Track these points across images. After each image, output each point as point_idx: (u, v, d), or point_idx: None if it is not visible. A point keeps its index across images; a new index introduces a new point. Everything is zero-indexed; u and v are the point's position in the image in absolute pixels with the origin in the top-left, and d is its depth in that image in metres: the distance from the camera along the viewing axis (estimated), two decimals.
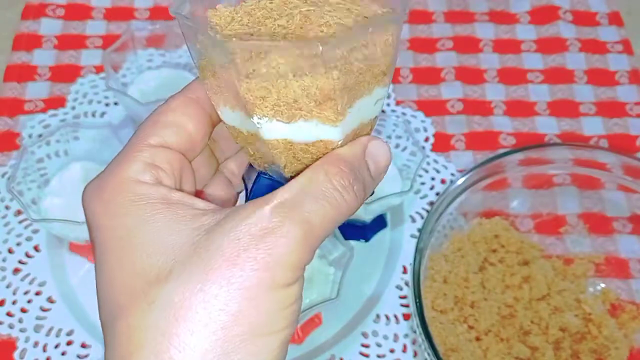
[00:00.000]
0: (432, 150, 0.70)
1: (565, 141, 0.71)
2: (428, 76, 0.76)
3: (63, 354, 0.57)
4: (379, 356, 0.58)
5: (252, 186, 0.33)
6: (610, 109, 0.74)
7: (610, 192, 0.64)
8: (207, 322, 0.26)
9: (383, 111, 0.70)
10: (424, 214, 0.65)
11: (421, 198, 0.67)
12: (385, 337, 0.59)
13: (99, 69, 0.75)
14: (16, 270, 0.61)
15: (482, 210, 0.63)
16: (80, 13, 0.80)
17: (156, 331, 0.26)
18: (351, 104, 0.29)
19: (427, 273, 0.57)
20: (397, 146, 0.66)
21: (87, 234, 0.32)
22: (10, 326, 0.58)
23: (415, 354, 0.58)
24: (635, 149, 0.72)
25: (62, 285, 0.61)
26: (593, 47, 0.79)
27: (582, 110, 0.74)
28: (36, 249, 0.63)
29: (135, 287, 0.27)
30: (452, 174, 0.68)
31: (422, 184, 0.67)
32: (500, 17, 0.81)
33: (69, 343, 0.58)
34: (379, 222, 0.64)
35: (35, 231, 0.63)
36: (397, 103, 0.74)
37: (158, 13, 0.80)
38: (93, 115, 0.71)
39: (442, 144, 0.71)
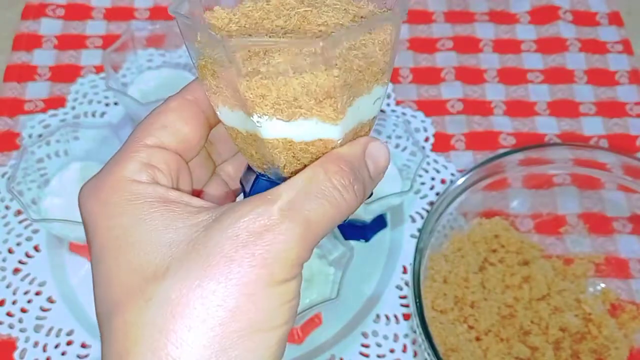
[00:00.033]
0: (432, 150, 0.70)
1: (565, 141, 0.71)
2: (428, 76, 0.76)
3: (63, 354, 0.57)
4: (379, 356, 0.58)
5: (251, 188, 0.33)
6: (610, 109, 0.74)
7: (610, 192, 0.64)
8: (204, 318, 0.26)
9: (383, 111, 0.70)
10: (424, 214, 0.65)
11: (421, 198, 0.67)
12: (385, 337, 0.59)
13: (99, 69, 0.75)
14: (16, 270, 0.61)
15: (482, 210, 0.63)
16: (80, 13, 0.80)
17: (153, 328, 0.26)
18: (351, 103, 0.29)
19: (427, 273, 0.57)
20: (397, 146, 0.66)
21: None
22: (10, 326, 0.58)
23: (415, 354, 0.58)
24: (635, 149, 0.72)
25: (62, 285, 0.61)
26: (593, 47, 0.79)
27: (582, 110, 0.74)
28: (36, 249, 0.63)
29: (132, 284, 0.27)
30: (452, 174, 0.68)
31: (422, 184, 0.67)
32: (500, 17, 0.81)
33: (69, 343, 0.58)
34: (379, 222, 0.64)
35: (35, 231, 0.63)
36: (397, 103, 0.74)
37: (158, 13, 0.80)
38: (93, 115, 0.71)
39: (442, 144, 0.71)
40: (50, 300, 0.60)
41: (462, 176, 0.59)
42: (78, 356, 0.57)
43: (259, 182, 0.32)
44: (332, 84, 0.27)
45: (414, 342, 0.59)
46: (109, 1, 0.81)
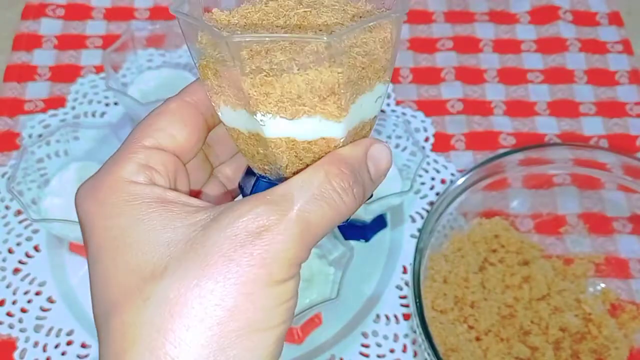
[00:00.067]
0: (432, 150, 0.70)
1: (565, 141, 0.71)
2: (428, 76, 0.76)
3: (63, 354, 0.57)
4: (379, 356, 0.58)
5: (251, 190, 0.33)
6: (610, 109, 0.74)
7: (610, 192, 0.64)
8: (203, 318, 0.26)
9: (383, 111, 0.70)
10: (424, 214, 0.65)
11: (421, 198, 0.67)
12: (385, 337, 0.59)
13: (99, 69, 0.75)
14: (16, 270, 0.61)
15: (482, 210, 0.63)
16: (80, 13, 0.80)
17: (151, 327, 0.26)
18: (354, 100, 0.29)
19: (427, 273, 0.57)
20: (397, 146, 0.66)
21: None
22: (10, 326, 0.58)
23: (415, 354, 0.58)
24: (635, 149, 0.72)
25: (62, 285, 0.61)
26: (593, 47, 0.79)
27: (582, 110, 0.74)
28: (36, 249, 0.63)
29: (129, 284, 0.27)
30: (452, 174, 0.68)
31: (422, 184, 0.67)
32: (500, 17, 0.81)
33: (69, 343, 0.58)
34: (379, 222, 0.64)
35: (35, 231, 0.63)
36: (397, 103, 0.74)
37: (158, 13, 0.80)
38: (93, 115, 0.71)
39: (442, 144, 0.71)
40: (50, 300, 0.60)
41: (462, 176, 0.59)
42: (78, 356, 0.57)
43: (260, 183, 0.32)
44: (336, 80, 0.27)
45: (414, 342, 0.59)
46: (109, 1, 0.81)
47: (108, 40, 0.76)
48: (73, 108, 0.72)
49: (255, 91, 0.28)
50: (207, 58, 0.30)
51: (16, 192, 0.57)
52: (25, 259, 0.62)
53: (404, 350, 0.59)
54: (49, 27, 0.78)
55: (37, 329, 0.59)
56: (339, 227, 0.57)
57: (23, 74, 0.75)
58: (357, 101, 0.29)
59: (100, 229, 0.29)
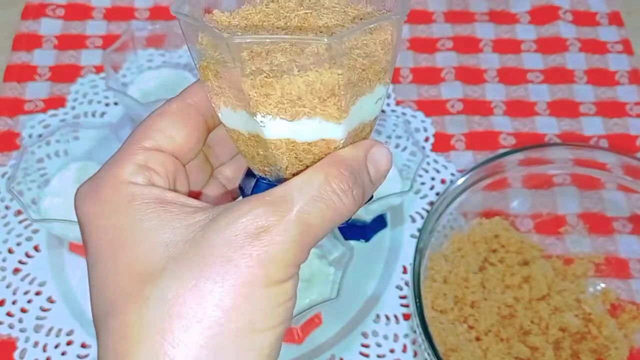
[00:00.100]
0: (432, 150, 0.70)
1: (565, 141, 0.71)
2: (428, 76, 0.76)
3: (63, 354, 0.57)
4: (379, 356, 0.58)
5: (251, 191, 0.33)
6: (610, 109, 0.74)
7: (610, 192, 0.64)
8: (201, 318, 0.26)
9: (383, 111, 0.70)
10: (424, 214, 0.65)
11: (421, 198, 0.67)
12: (385, 337, 0.59)
13: (99, 69, 0.75)
14: (16, 270, 0.61)
15: (482, 210, 0.63)
16: (80, 13, 0.80)
17: (150, 328, 0.26)
18: (354, 102, 0.29)
19: (427, 273, 0.57)
20: (397, 146, 0.66)
21: None
22: (10, 326, 0.58)
23: (415, 354, 0.58)
24: (635, 149, 0.72)
25: (62, 285, 0.61)
26: (593, 47, 0.79)
27: (582, 110, 0.74)
28: (36, 249, 0.63)
29: (129, 284, 0.27)
30: (452, 174, 0.68)
31: (422, 184, 0.67)
32: (500, 17, 0.81)
33: (69, 343, 0.58)
34: (379, 222, 0.64)
35: (35, 231, 0.63)
36: (397, 103, 0.74)
37: (158, 13, 0.80)
38: (93, 115, 0.71)
39: (442, 144, 0.71)
40: (50, 300, 0.60)
41: (462, 176, 0.59)
42: (78, 356, 0.57)
43: (260, 184, 0.32)
44: (337, 82, 0.27)
45: (414, 342, 0.59)
46: (109, 1, 0.81)
47: (108, 40, 0.76)
48: (73, 108, 0.72)
49: (256, 92, 0.28)
50: (208, 59, 0.30)
51: (16, 192, 0.57)
52: (25, 259, 0.62)
53: (404, 350, 0.59)
54: (49, 27, 0.78)
55: (37, 329, 0.59)
56: (339, 227, 0.57)
57: (23, 74, 0.75)
58: (357, 103, 0.29)
59: (99, 229, 0.29)
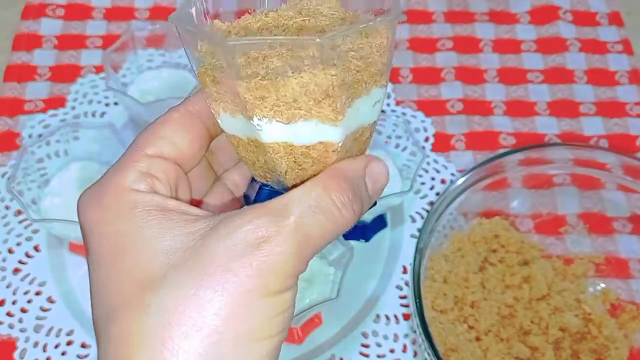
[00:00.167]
0: (432, 150, 0.70)
1: (565, 141, 0.71)
2: (428, 76, 0.76)
3: (63, 354, 0.57)
4: (379, 356, 0.58)
5: (255, 199, 0.33)
6: (610, 109, 0.74)
7: (610, 192, 0.64)
8: (200, 327, 0.26)
9: (383, 111, 0.70)
10: (424, 214, 0.65)
11: (421, 198, 0.67)
12: (385, 337, 0.59)
13: (99, 69, 0.75)
14: (16, 270, 0.61)
15: (482, 210, 0.63)
16: (80, 13, 0.80)
17: (151, 335, 0.26)
18: (350, 104, 0.29)
19: (427, 273, 0.57)
20: (397, 146, 0.66)
21: None
22: (10, 326, 0.58)
23: (415, 354, 0.58)
24: (635, 149, 0.72)
25: (62, 285, 0.61)
26: (593, 47, 0.79)
27: (582, 110, 0.74)
28: (36, 249, 0.63)
29: (130, 290, 0.27)
30: (452, 174, 0.68)
31: (422, 184, 0.67)
32: (500, 17, 0.81)
33: (69, 343, 0.58)
34: (379, 222, 0.64)
35: (35, 231, 0.63)
36: (397, 103, 0.74)
37: (158, 13, 0.80)
38: (93, 115, 0.71)
39: (442, 144, 0.71)
40: (50, 300, 0.60)
41: (462, 176, 0.59)
42: (78, 356, 0.57)
43: (262, 191, 0.33)
44: (331, 82, 0.28)
45: (414, 342, 0.59)
46: (109, 1, 0.81)
47: (108, 40, 0.76)
48: (73, 108, 0.72)
49: (251, 95, 0.28)
50: (206, 65, 0.30)
51: (16, 192, 0.57)
52: (25, 259, 0.62)
53: (404, 350, 0.59)
54: (49, 27, 0.78)
55: (37, 329, 0.59)
56: None
57: (23, 74, 0.75)
58: (353, 105, 0.29)
59: (102, 235, 0.29)
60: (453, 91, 0.75)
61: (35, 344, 0.58)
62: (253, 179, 0.34)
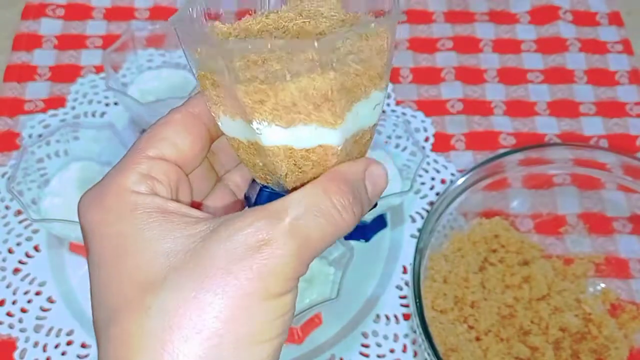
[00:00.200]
0: (432, 150, 0.70)
1: (565, 141, 0.71)
2: (428, 76, 0.76)
3: (63, 354, 0.57)
4: (379, 356, 0.58)
5: (255, 200, 0.33)
6: (610, 109, 0.74)
7: (610, 192, 0.64)
8: (200, 329, 0.26)
9: (383, 111, 0.70)
10: (424, 214, 0.65)
11: (421, 198, 0.67)
12: (385, 337, 0.59)
13: (99, 69, 0.75)
14: (16, 270, 0.61)
15: (482, 210, 0.63)
16: (80, 13, 0.80)
17: (151, 337, 0.26)
18: (349, 108, 0.29)
19: (427, 273, 0.57)
20: (397, 146, 0.66)
21: None
22: (10, 326, 0.58)
23: (415, 354, 0.58)
24: (635, 149, 0.72)
25: (62, 285, 0.61)
26: (593, 47, 0.79)
27: (582, 110, 0.74)
28: (36, 249, 0.63)
29: (130, 292, 0.27)
30: (452, 174, 0.68)
31: (422, 184, 0.67)
32: (500, 17, 0.81)
33: (69, 343, 0.58)
34: (379, 222, 0.64)
35: (35, 231, 0.63)
36: (397, 103, 0.74)
37: (158, 13, 0.80)
38: (93, 115, 0.71)
39: (442, 144, 0.71)
40: (50, 300, 0.60)
41: (462, 176, 0.59)
42: (78, 356, 0.57)
43: (262, 193, 0.33)
44: (330, 86, 0.27)
45: (414, 342, 0.59)
46: (109, 1, 0.81)
47: (108, 40, 0.76)
48: (73, 108, 0.72)
49: (250, 99, 0.28)
50: (205, 68, 0.30)
51: (16, 192, 0.57)
52: (25, 259, 0.62)
53: (404, 350, 0.59)
54: (49, 27, 0.78)
55: (37, 329, 0.59)
56: None
57: (23, 74, 0.75)
58: (352, 109, 0.29)
59: (103, 236, 0.29)
60: (453, 91, 0.75)
61: (35, 344, 0.58)
62: (254, 180, 0.34)
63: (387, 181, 0.32)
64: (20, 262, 0.62)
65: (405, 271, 0.62)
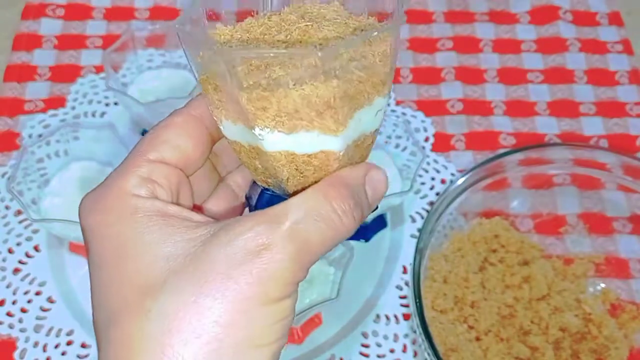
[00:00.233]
0: (432, 150, 0.70)
1: (565, 141, 0.71)
2: (428, 76, 0.76)
3: (63, 354, 0.57)
4: (379, 356, 0.58)
5: (256, 203, 0.33)
6: (610, 109, 0.74)
7: (610, 192, 0.64)
8: (200, 334, 0.26)
9: None
10: (424, 214, 0.65)
11: (421, 198, 0.67)
12: (385, 337, 0.59)
13: (99, 69, 0.75)
14: (16, 270, 0.61)
15: (482, 210, 0.63)
16: (80, 13, 0.80)
17: (151, 341, 0.26)
18: (352, 115, 0.29)
19: (427, 273, 0.57)
20: (397, 146, 0.66)
21: None
22: (10, 326, 0.58)
23: (415, 354, 0.58)
24: (635, 149, 0.72)
25: (62, 285, 0.61)
26: (593, 47, 0.79)
27: (582, 110, 0.74)
28: (36, 249, 0.63)
29: (130, 295, 0.28)
30: (452, 174, 0.68)
31: (422, 184, 0.67)
32: (500, 17, 0.81)
33: (69, 343, 0.58)
34: (379, 222, 0.64)
35: (35, 231, 0.63)
36: (397, 103, 0.74)
37: (158, 13, 0.80)
38: (93, 115, 0.71)
39: (442, 144, 0.71)
40: (50, 300, 0.60)
41: (462, 176, 0.59)
42: (78, 356, 0.57)
43: (264, 195, 0.33)
44: (332, 94, 0.27)
45: (414, 342, 0.59)
46: (109, 1, 0.81)
47: (108, 40, 0.76)
48: (73, 108, 0.72)
49: (252, 106, 0.28)
50: (207, 73, 0.30)
51: (16, 192, 0.57)
52: (25, 259, 0.62)
53: (404, 350, 0.59)
54: (49, 27, 0.78)
55: (37, 329, 0.59)
56: None
57: (23, 74, 0.75)
58: (355, 115, 0.29)
59: (103, 237, 0.29)
60: (453, 91, 0.75)
61: (35, 344, 0.58)
62: (254, 182, 0.34)
63: (387, 186, 0.32)
64: (20, 262, 0.62)
65: (405, 271, 0.62)
